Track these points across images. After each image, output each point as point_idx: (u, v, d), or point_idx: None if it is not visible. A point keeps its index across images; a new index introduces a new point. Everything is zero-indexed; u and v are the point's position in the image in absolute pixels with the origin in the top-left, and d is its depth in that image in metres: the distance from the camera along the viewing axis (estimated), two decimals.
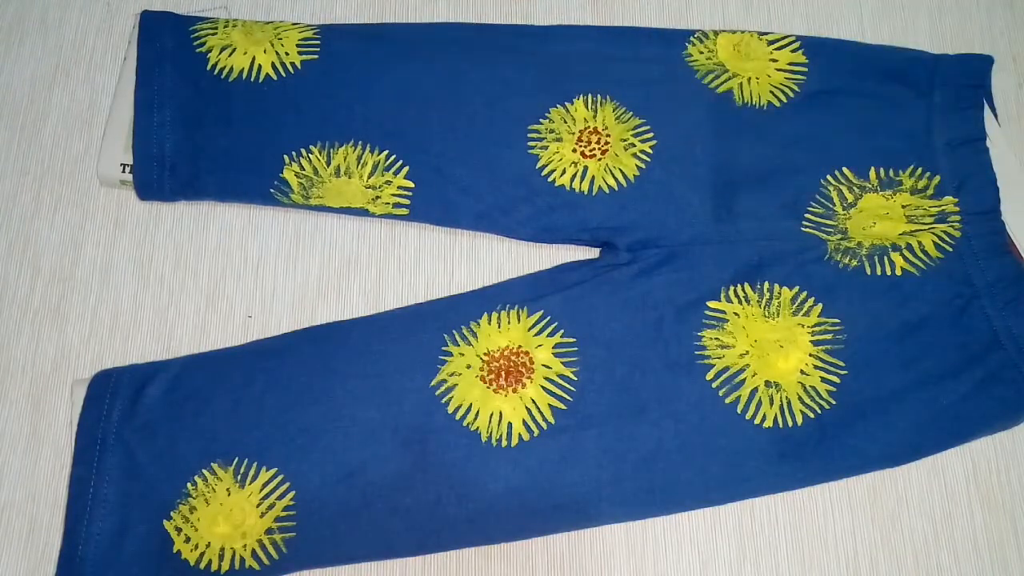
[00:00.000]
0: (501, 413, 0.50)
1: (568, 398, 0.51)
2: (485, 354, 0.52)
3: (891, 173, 0.56)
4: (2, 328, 0.54)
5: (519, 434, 0.50)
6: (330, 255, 0.56)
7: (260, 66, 0.56)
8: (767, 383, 0.51)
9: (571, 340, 0.52)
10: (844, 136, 0.56)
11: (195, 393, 0.51)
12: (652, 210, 0.54)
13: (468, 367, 0.51)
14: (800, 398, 0.51)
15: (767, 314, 0.53)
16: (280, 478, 0.49)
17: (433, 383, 0.51)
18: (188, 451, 0.49)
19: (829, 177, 0.56)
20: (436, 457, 0.49)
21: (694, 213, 0.54)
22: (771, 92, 0.57)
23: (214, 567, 0.48)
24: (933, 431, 0.51)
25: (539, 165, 0.55)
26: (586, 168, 0.55)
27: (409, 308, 0.54)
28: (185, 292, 0.55)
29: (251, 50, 0.57)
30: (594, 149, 0.56)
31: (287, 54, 0.57)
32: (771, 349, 0.52)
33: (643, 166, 0.55)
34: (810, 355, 0.52)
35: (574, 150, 0.55)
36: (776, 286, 0.53)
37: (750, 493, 0.51)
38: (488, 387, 0.51)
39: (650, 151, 0.55)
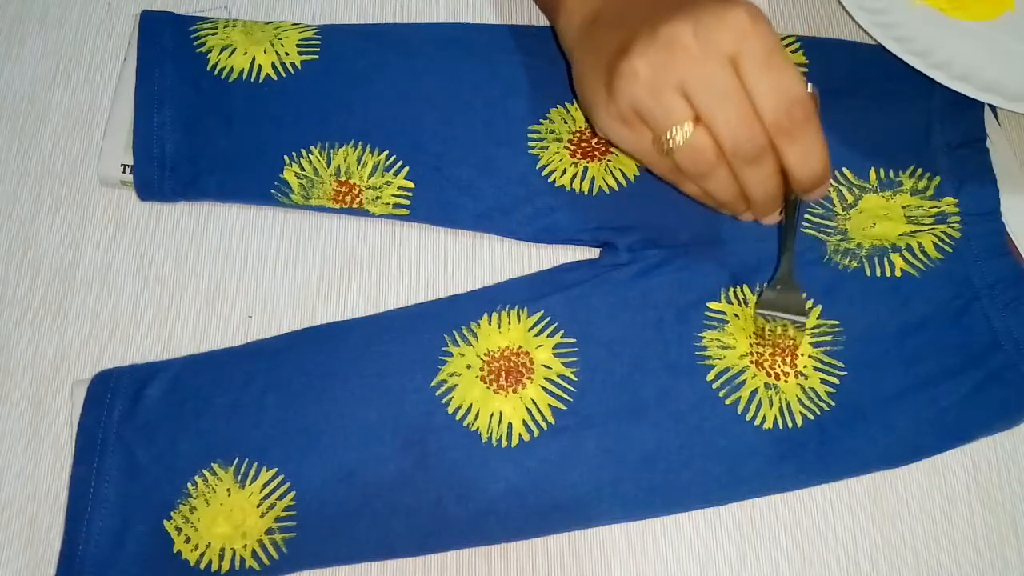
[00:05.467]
0: (501, 413, 0.50)
1: (568, 398, 0.51)
2: (485, 354, 0.52)
3: (891, 174, 0.56)
4: (2, 328, 0.54)
5: (519, 434, 0.50)
6: (330, 255, 0.56)
7: (260, 66, 0.56)
8: (767, 384, 0.51)
9: (571, 340, 0.52)
10: (843, 136, 0.56)
11: (195, 393, 0.51)
12: (652, 210, 0.55)
13: (468, 367, 0.51)
14: (800, 399, 0.51)
15: None
16: (280, 478, 0.49)
17: (433, 383, 0.51)
18: (188, 451, 0.49)
19: None
20: (436, 457, 0.49)
21: (694, 214, 0.54)
22: None
23: (214, 567, 0.48)
24: (933, 432, 0.51)
25: (539, 165, 0.55)
26: (586, 168, 0.55)
27: (409, 308, 0.54)
28: (185, 292, 0.55)
29: (251, 50, 0.57)
30: (593, 150, 0.56)
31: (287, 54, 0.57)
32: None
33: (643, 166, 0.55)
34: (809, 356, 0.52)
35: (569, 151, 0.55)
36: None
37: (750, 494, 0.51)
38: (488, 387, 0.51)
39: None
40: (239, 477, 0.49)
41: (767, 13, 0.62)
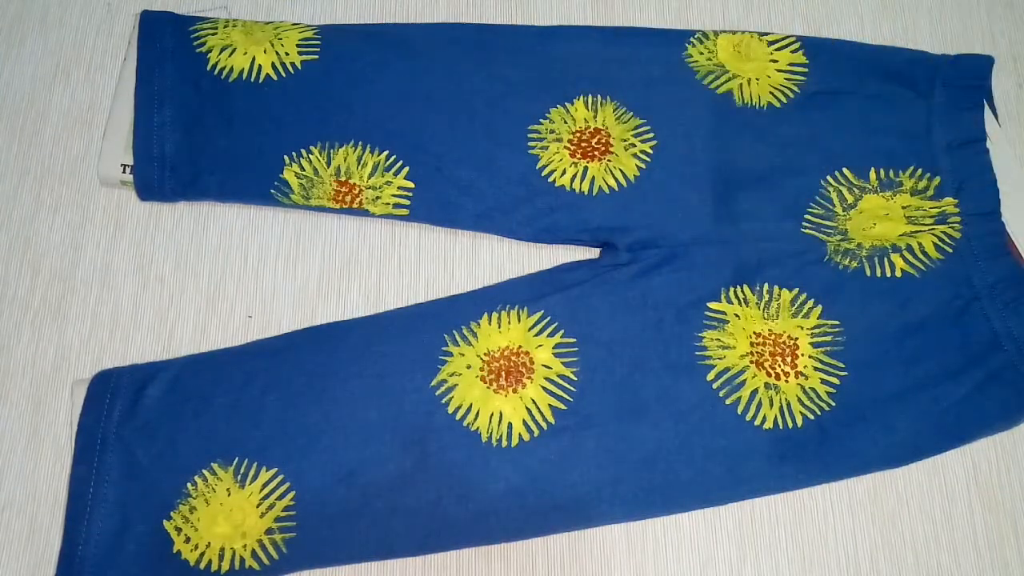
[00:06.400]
0: (501, 413, 0.50)
1: (568, 398, 0.51)
2: (485, 354, 0.52)
3: (891, 174, 0.56)
4: (2, 328, 0.54)
5: (519, 434, 0.50)
6: (330, 255, 0.56)
7: (260, 66, 0.56)
8: (767, 384, 0.51)
9: (571, 340, 0.52)
10: (844, 137, 0.56)
11: (195, 393, 0.51)
12: (652, 210, 0.55)
13: (468, 367, 0.51)
14: (800, 399, 0.51)
15: (766, 315, 0.53)
16: (280, 478, 0.49)
17: (433, 383, 0.51)
18: (188, 451, 0.49)
19: (829, 178, 0.56)
20: (436, 457, 0.49)
21: (694, 214, 0.54)
22: (771, 93, 0.57)
23: (214, 567, 0.48)
24: (933, 432, 0.51)
25: (539, 165, 0.55)
26: (586, 168, 0.55)
27: (409, 308, 0.54)
28: (185, 292, 0.55)
29: (251, 50, 0.57)
30: (593, 150, 0.56)
31: (287, 54, 0.57)
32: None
33: (643, 166, 0.55)
34: (810, 356, 0.52)
35: (569, 151, 0.55)
36: (776, 287, 0.53)
37: (750, 494, 0.51)
38: (488, 387, 0.51)
39: (650, 151, 0.56)
40: (239, 477, 0.49)
41: (768, 13, 0.63)
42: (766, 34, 0.60)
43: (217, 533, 0.48)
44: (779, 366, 0.52)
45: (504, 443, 0.50)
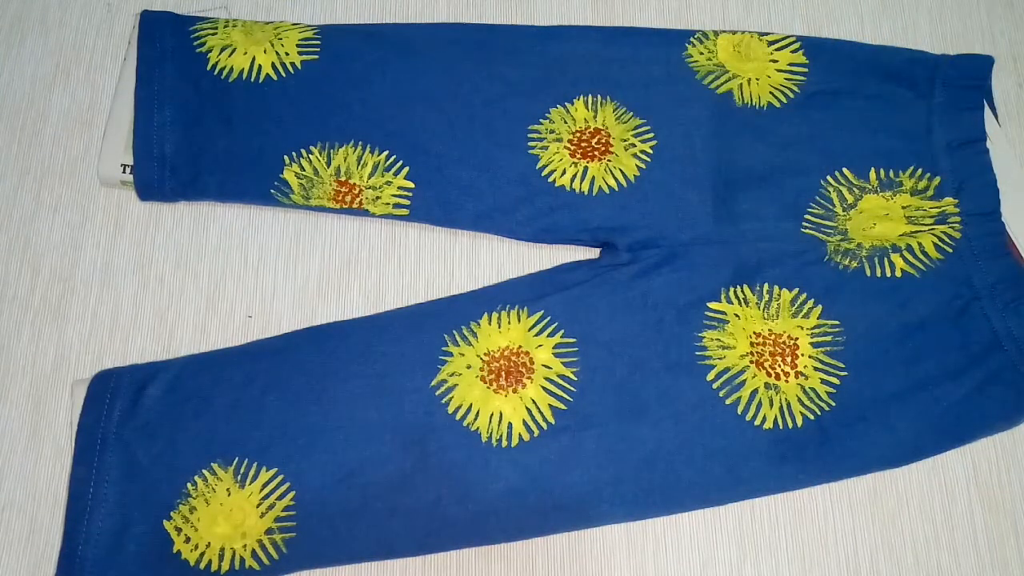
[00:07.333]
0: (501, 413, 0.50)
1: (568, 398, 0.51)
2: (485, 354, 0.52)
3: (891, 174, 0.56)
4: (2, 328, 0.54)
5: (519, 434, 0.50)
6: (330, 255, 0.56)
7: (260, 66, 0.56)
8: (767, 384, 0.51)
9: (571, 340, 0.52)
10: (844, 137, 0.56)
11: (195, 393, 0.51)
12: (652, 210, 0.55)
13: (468, 367, 0.51)
14: (800, 399, 0.51)
15: (766, 315, 0.53)
16: (280, 478, 0.49)
17: (433, 383, 0.51)
18: (188, 451, 0.49)
19: (829, 178, 0.56)
20: (436, 457, 0.49)
21: (694, 214, 0.54)
22: (771, 93, 0.57)
23: (214, 567, 0.48)
24: (933, 432, 0.51)
25: (539, 165, 0.55)
26: (586, 168, 0.55)
27: (409, 308, 0.54)
28: (185, 292, 0.55)
29: (251, 50, 0.57)
30: (593, 150, 0.56)
31: (287, 54, 0.57)
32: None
33: (643, 166, 0.55)
34: (810, 356, 0.52)
35: (569, 151, 0.55)
36: (776, 287, 0.53)
37: (750, 494, 0.51)
38: (488, 387, 0.51)
39: (650, 151, 0.56)
40: (239, 477, 0.49)
41: (768, 13, 0.63)
42: (766, 34, 0.60)
43: (217, 533, 0.48)
44: (779, 366, 0.52)
45: (504, 443, 0.50)
